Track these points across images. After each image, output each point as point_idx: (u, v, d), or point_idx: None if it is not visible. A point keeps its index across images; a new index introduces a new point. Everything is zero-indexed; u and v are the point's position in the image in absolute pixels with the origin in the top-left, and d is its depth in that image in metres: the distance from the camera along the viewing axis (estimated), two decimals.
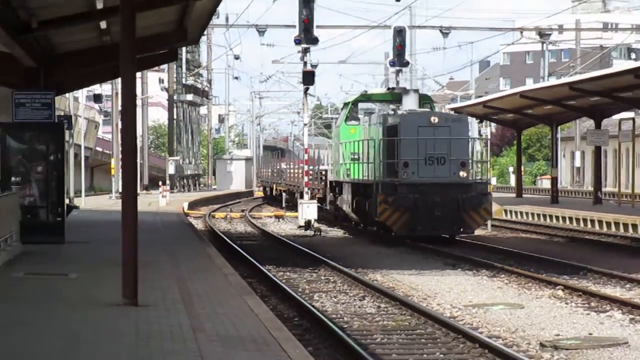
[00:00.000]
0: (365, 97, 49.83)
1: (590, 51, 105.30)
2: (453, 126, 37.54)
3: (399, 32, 66.48)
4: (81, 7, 29.23)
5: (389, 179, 35.37)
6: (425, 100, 46.82)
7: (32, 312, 19.45)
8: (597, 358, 19.36)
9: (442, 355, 19.76)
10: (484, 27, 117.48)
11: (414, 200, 34.64)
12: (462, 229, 36.27)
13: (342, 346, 19.79)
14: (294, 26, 55.90)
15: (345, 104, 51.25)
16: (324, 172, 57.81)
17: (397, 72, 69.69)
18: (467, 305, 26.57)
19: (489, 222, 50.51)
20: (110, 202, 65.86)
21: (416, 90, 49.97)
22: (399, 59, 66.94)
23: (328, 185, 53.37)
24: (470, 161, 37.71)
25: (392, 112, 41.12)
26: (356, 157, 42.78)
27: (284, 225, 60.19)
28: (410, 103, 43.30)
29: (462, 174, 36.11)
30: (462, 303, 27.05)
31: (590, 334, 21.94)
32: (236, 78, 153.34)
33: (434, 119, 38.68)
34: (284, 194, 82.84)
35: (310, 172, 68.60)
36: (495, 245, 42.27)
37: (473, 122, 43.80)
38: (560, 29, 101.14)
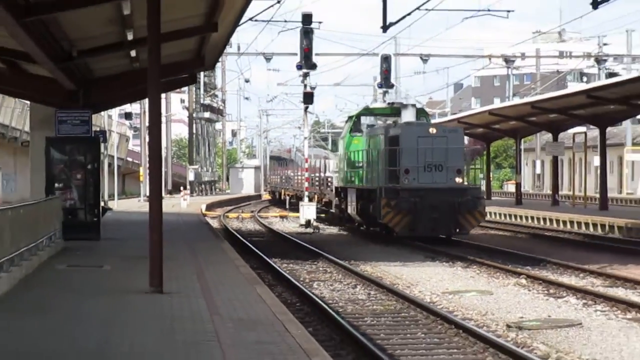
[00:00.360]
0: (368, 111, 48.95)
1: (549, 75, 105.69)
2: (449, 136, 37.04)
3: (385, 59, 66.87)
4: (114, 38, 29.36)
5: (391, 185, 34.78)
6: (421, 113, 46.19)
7: (73, 298, 19.81)
8: (555, 337, 19.36)
9: (423, 335, 19.83)
10: (458, 55, 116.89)
11: (415, 204, 34.21)
12: (458, 230, 35.88)
13: (338, 327, 19.99)
14: (296, 54, 56.14)
15: (350, 117, 50.08)
16: (330, 179, 57.05)
17: (384, 93, 69.60)
18: (444, 292, 26.66)
19: None
20: (139, 205, 65.95)
21: (414, 105, 48.98)
22: (386, 82, 67.27)
23: (334, 191, 52.21)
24: (465, 168, 37.38)
25: (394, 124, 40.45)
26: (360, 165, 42.05)
27: (287, 224, 60.37)
28: (408, 116, 42.53)
29: (458, 179, 35.62)
30: (439, 290, 27.14)
31: (549, 316, 22.10)
32: (246, 98, 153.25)
33: (433, 130, 38.24)
34: (287, 197, 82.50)
35: (313, 179, 69.42)
36: (468, 241, 42.10)
37: None
38: (523, 56, 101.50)
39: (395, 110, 45.32)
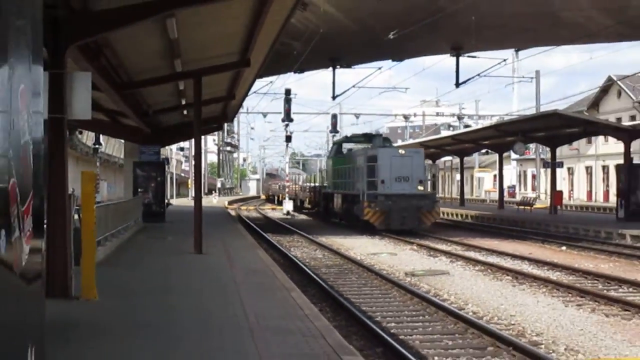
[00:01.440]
0: (347, 139, 45.59)
1: (430, 126, 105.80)
2: (414, 156, 34.51)
3: (334, 116, 66.24)
4: (174, 103, 29.16)
5: (371, 191, 32.91)
6: (386, 141, 42.77)
7: (149, 256, 19.85)
8: (433, 280, 19.31)
9: (355, 278, 19.96)
10: (377, 113, 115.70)
11: (389, 205, 32.42)
12: (420, 224, 33.42)
13: (304, 274, 20.07)
14: (281, 112, 55.94)
15: (335, 143, 47.10)
16: (318, 188, 51.09)
17: (333, 136, 69.66)
18: (368, 254, 26.23)
19: None
20: (188, 201, 65.41)
21: (380, 135, 46.35)
22: (334, 129, 66.58)
23: (321, 195, 47.87)
24: (425, 179, 34.99)
25: (371, 147, 37.51)
26: (343, 177, 39.58)
27: (276, 213, 59.26)
28: (378, 142, 39.45)
29: (420, 187, 33.60)
30: (365, 252, 26.72)
31: (430, 268, 21.88)
32: (252, 138, 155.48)
33: (402, 152, 36.16)
34: (276, 197, 78.91)
35: (295, 187, 69.36)
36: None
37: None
38: (414, 115, 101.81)
39: (367, 137, 42.77)
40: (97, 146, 47.82)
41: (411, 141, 75.65)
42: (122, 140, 43.38)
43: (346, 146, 42.43)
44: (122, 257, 19.55)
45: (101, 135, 47.34)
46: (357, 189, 35.74)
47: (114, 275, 15.57)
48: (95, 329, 10.27)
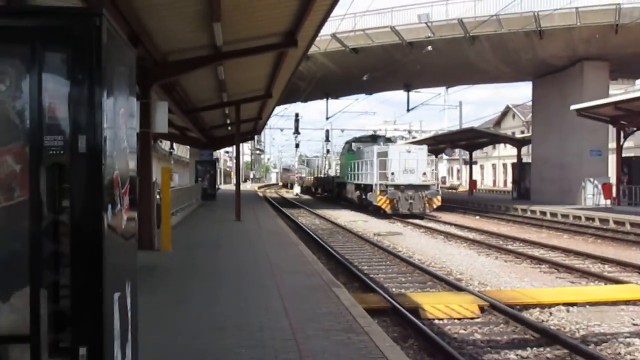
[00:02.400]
0: (357, 139, 37.99)
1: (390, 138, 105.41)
2: (419, 152, 29.59)
3: (327, 131, 65.27)
4: (222, 122, 29.26)
5: (382, 182, 28.45)
6: (388, 140, 37.11)
7: (205, 223, 19.68)
8: (393, 238, 19.15)
9: (340, 237, 19.62)
10: (355, 129, 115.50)
11: (398, 194, 27.97)
12: (424, 210, 28.46)
13: (307, 234, 19.74)
14: (292, 128, 55.50)
15: (347, 142, 39.36)
16: (331, 177, 44.53)
17: (327, 143, 68.38)
18: (349, 221, 25.62)
19: None
20: (231, 187, 65.37)
21: (383, 136, 41.11)
22: (327, 139, 65.79)
23: (334, 184, 41.08)
24: (429, 171, 29.90)
25: (381, 145, 32.10)
26: (354, 170, 33.54)
27: (289, 195, 59.31)
28: (381, 141, 34.07)
29: (424, 179, 28.71)
30: (347, 220, 26.13)
31: (390, 231, 21.65)
32: (273, 145, 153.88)
33: (409, 148, 31.18)
34: (289, 184, 75.56)
35: (301, 177, 67.87)
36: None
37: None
38: (380, 130, 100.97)
39: (373, 138, 36.28)
40: (171, 150, 47.58)
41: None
42: (188, 146, 43.22)
43: (355, 145, 37.24)
44: (187, 223, 19.36)
45: (174, 143, 47.34)
46: (369, 180, 31.00)
47: (182, 235, 15.50)
48: (169, 269, 10.35)
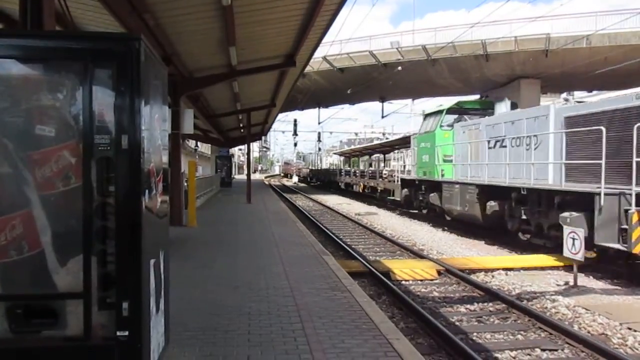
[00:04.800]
0: (458, 106, 15.33)
1: (369, 139, 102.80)
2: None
3: (319, 133, 64.31)
4: (236, 125, 29.06)
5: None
6: (513, 106, 14.55)
7: (222, 205, 19.42)
8: (370, 218, 18.98)
9: (329, 216, 19.49)
10: (343, 132, 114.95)
11: None
12: None
13: (304, 215, 19.50)
14: (291, 131, 54.17)
15: (436, 112, 15.97)
16: (386, 173, 26.60)
17: (318, 143, 67.54)
18: (337, 203, 25.21)
19: None
20: (244, 177, 65.12)
21: (506, 99, 15.03)
22: (319, 140, 64.84)
23: (399, 183, 19.90)
24: None
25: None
26: (450, 159, 14.87)
27: (289, 183, 58.88)
28: (503, 108, 14.34)
29: None
30: (335, 203, 25.60)
31: (368, 211, 21.50)
32: (276, 145, 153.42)
33: None
34: (289, 175, 72.95)
35: (299, 169, 67.10)
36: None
37: None
38: (360, 133, 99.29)
39: (485, 104, 15.49)
40: (196, 147, 47.34)
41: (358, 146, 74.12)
42: (209, 144, 42.94)
43: (450, 116, 15.79)
44: (209, 205, 19.05)
45: (198, 142, 47.05)
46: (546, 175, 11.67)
47: (205, 214, 15.31)
48: (196, 241, 10.27)
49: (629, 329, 6.09)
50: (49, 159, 2.59)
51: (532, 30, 26.22)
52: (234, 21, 9.41)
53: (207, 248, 9.43)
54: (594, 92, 32.02)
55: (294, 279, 6.70)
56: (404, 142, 46.75)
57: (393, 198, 22.21)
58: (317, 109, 43.87)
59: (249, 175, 22.01)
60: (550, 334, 5.95)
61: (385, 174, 28.27)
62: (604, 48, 23.95)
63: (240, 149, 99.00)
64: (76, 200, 2.60)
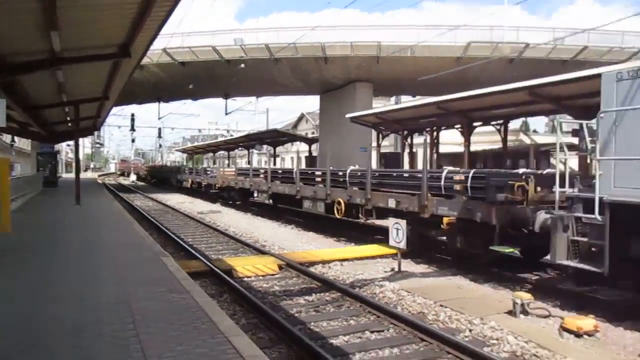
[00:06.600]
0: None
1: (213, 135, 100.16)
2: None
3: (159, 130, 61.19)
4: (63, 118, 26.22)
5: None
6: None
7: (46, 206, 17.50)
8: (213, 215, 18.28)
9: (170, 216, 18.66)
10: (181, 127, 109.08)
11: None
12: None
13: (141, 214, 18.54)
14: (129, 126, 48.94)
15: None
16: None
17: (159, 139, 61.39)
18: (178, 202, 24.09)
19: None
20: (72, 176, 59.03)
21: None
22: (160, 136, 57.08)
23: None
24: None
25: None
26: None
27: (126, 182, 53.53)
28: None
29: None
30: (176, 202, 24.22)
31: (211, 209, 20.74)
32: (111, 141, 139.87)
33: None
34: (125, 172, 69.03)
35: (138, 167, 62.99)
36: None
37: None
38: (204, 129, 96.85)
39: None
40: (12, 143, 41.72)
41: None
42: (29, 140, 38.08)
43: None
44: (29, 208, 17.14)
45: (15, 137, 41.37)
46: None
47: (22, 218, 13.70)
48: (7, 249, 9.08)
49: (441, 306, 7.03)
50: None
51: (366, 37, 28.47)
52: (55, 2, 8.54)
53: (21, 257, 8.39)
54: (417, 97, 35.87)
55: (129, 284, 6.34)
56: (248, 140, 47.16)
57: (216, 191, 22.74)
58: (157, 103, 41.99)
59: (77, 173, 20.12)
60: (378, 316, 6.58)
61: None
62: (425, 59, 27.11)
63: (68, 145, 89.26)
64: None
